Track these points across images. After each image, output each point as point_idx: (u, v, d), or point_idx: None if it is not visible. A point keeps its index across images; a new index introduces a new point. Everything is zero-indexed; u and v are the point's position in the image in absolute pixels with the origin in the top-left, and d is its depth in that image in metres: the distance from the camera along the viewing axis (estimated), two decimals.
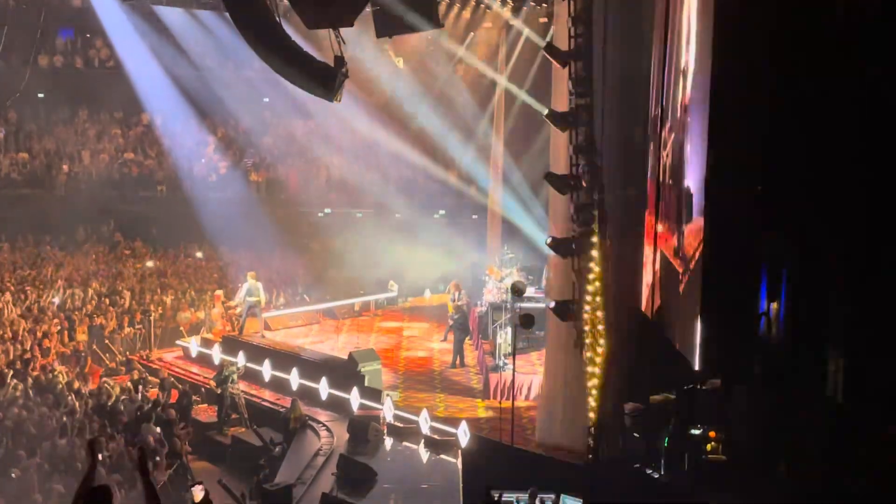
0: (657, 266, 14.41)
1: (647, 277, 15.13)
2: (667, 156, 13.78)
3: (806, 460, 10.97)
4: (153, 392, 19.05)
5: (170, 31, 29.43)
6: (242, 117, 31.98)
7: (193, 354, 21.67)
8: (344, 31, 11.52)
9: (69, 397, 16.85)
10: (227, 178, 31.10)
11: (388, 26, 12.96)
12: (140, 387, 18.71)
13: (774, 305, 11.67)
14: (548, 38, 18.82)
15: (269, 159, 31.64)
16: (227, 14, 11.54)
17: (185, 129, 32.02)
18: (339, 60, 11.28)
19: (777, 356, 11.72)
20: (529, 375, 18.74)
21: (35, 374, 18.33)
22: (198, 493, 5.99)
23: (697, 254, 11.53)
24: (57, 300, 23.54)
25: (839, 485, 10.27)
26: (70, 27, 33.36)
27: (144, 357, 22.10)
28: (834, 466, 10.45)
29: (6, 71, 31.46)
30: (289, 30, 11.47)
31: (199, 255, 28.79)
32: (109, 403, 17.01)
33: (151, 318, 22.81)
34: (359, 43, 24.03)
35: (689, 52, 12.75)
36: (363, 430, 15.92)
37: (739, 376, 12.38)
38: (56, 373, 18.48)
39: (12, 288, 24.25)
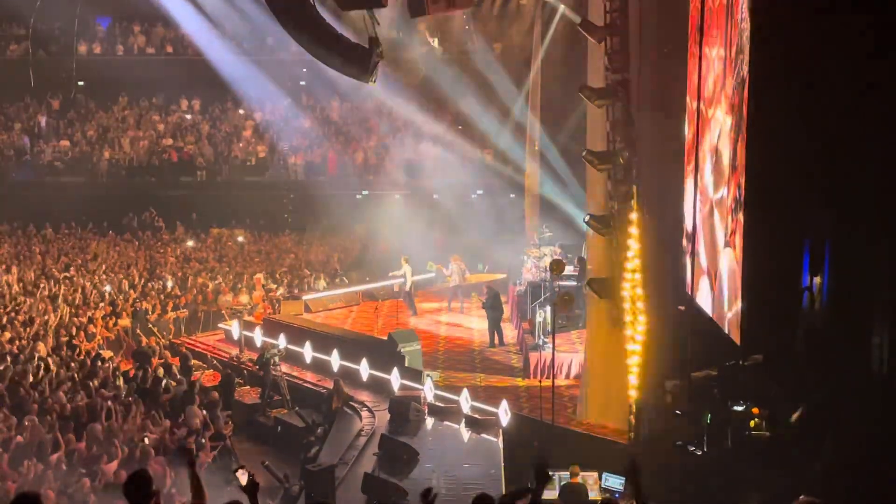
0: (697, 239, 14.25)
1: (688, 253, 14.97)
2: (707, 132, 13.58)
3: (850, 435, 10.82)
4: (197, 375, 19.24)
5: (206, 15, 29.62)
6: (279, 100, 32.13)
7: (235, 337, 21.86)
8: (378, 11, 11.50)
9: (114, 381, 17.06)
10: (264, 161, 31.29)
11: (422, 5, 12.86)
12: (183, 369, 18.91)
13: (817, 280, 11.49)
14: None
15: (306, 142, 31.75)
16: None
17: (223, 114, 32.27)
18: (374, 41, 11.27)
19: (820, 331, 11.55)
20: (570, 354, 18.70)
21: (80, 358, 18.60)
22: (242, 477, 5.96)
23: (738, 227, 11.37)
24: (100, 286, 23.83)
25: (884, 460, 10.11)
26: (108, 15, 33.71)
27: (188, 340, 22.37)
28: (879, 441, 10.28)
29: (48, 61, 31.91)
30: (323, 12, 11.49)
31: (240, 239, 29.01)
32: (153, 387, 17.19)
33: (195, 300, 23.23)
34: (393, 23, 24.02)
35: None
36: (404, 411, 15.97)
37: (782, 352, 12.22)
38: (102, 357, 18.72)
39: (57, 274, 24.62)
